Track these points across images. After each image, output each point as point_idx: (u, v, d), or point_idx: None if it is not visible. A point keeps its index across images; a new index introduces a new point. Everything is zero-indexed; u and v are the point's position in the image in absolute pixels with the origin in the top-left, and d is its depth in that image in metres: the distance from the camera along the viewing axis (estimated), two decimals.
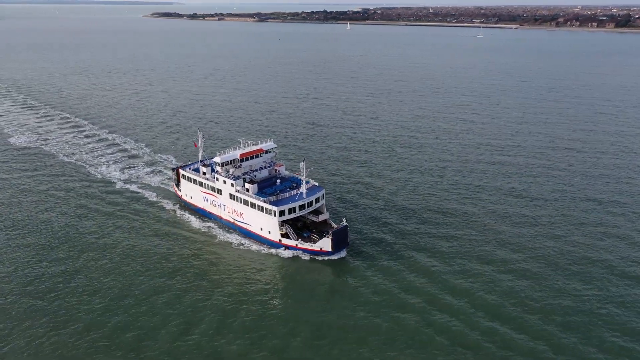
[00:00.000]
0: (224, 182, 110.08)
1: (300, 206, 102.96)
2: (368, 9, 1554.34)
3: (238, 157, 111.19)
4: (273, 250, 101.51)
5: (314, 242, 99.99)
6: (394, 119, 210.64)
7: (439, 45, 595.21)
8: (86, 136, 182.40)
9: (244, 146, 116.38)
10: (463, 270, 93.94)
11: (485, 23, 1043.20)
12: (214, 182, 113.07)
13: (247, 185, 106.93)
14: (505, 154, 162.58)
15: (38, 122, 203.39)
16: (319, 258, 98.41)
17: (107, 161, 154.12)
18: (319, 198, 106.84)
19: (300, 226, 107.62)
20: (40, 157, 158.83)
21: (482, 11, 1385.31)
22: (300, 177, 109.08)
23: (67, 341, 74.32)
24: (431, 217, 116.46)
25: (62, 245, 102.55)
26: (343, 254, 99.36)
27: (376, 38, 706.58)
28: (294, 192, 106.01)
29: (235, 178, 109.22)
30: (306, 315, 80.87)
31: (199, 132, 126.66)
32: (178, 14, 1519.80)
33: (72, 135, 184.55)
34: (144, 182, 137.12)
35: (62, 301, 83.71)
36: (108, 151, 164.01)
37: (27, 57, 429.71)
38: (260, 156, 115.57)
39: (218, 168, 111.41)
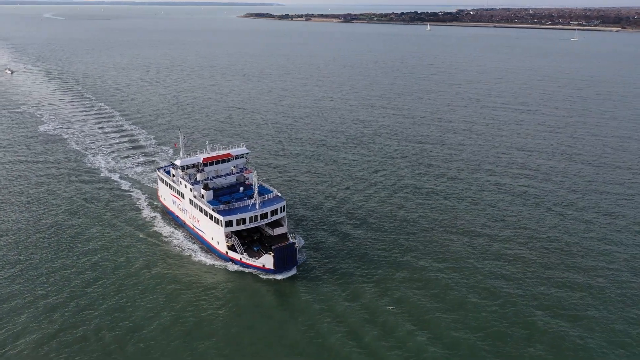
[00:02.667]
0: (185, 186, 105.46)
1: (251, 217, 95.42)
2: (462, 10, 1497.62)
3: (201, 161, 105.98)
4: (221, 263, 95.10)
5: (259, 257, 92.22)
6: (407, 128, 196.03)
7: (513, 47, 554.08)
8: (109, 128, 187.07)
9: (211, 150, 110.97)
10: (429, 291, 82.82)
11: (584, 25, 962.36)
12: (178, 185, 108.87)
13: (202, 191, 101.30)
14: (502, 167, 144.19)
15: (75, 112, 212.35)
16: (264, 276, 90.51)
17: (110, 154, 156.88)
18: (277, 210, 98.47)
19: (256, 239, 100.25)
20: (52, 144, 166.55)
21: (587, 12, 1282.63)
22: (267, 186, 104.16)
23: None
24: (407, 237, 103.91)
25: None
26: (291, 273, 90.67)
27: (447, 40, 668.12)
28: (249, 201, 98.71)
29: (195, 183, 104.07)
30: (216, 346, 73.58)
31: (179, 133, 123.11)
32: (270, 14, 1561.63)
33: (96, 125, 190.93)
34: (132, 178, 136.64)
35: None
36: (119, 145, 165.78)
37: (105, 53, 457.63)
38: (228, 161, 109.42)
39: (179, 171, 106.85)
